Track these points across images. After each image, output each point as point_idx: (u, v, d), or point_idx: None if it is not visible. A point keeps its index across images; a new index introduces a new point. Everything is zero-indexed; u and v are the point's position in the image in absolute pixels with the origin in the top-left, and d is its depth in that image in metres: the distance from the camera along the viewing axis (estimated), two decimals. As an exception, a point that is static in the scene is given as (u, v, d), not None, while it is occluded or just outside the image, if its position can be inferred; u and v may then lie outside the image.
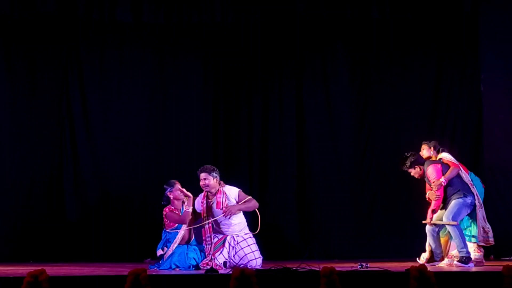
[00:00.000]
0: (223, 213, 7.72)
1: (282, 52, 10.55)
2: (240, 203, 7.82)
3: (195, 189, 7.99)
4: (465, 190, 8.07)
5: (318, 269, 6.27)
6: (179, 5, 9.78)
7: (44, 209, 10.05)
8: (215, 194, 7.82)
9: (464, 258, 7.87)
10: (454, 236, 7.96)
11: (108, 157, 10.25)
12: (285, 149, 10.53)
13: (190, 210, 7.79)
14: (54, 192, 10.12)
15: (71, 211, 10.12)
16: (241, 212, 7.88)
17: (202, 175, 7.81)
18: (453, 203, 8.02)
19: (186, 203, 7.82)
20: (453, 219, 7.96)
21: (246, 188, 9.81)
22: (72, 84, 10.22)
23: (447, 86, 10.42)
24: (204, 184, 7.81)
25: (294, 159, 10.50)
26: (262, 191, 10.37)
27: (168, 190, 7.94)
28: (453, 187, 8.12)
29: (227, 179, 8.20)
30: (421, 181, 8.61)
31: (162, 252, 7.84)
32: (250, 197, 7.92)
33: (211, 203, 7.82)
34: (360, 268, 7.32)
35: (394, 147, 9.87)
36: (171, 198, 7.93)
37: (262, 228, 8.00)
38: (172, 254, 7.77)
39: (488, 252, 9.09)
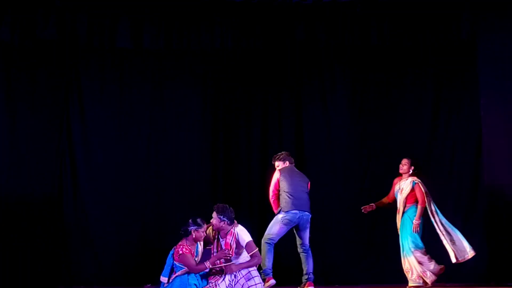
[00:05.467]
0: (224, 270, 7.53)
1: (281, 76, 10.61)
2: (243, 262, 7.59)
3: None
4: None
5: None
6: (179, 31, 9.84)
7: (42, 235, 9.94)
8: (226, 234, 7.59)
9: None
10: None
11: (108, 183, 10.26)
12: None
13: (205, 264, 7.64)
14: (53, 219, 10.04)
15: (70, 236, 10.14)
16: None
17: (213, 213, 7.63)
18: None
19: (201, 243, 7.74)
20: None
21: (246, 212, 9.83)
22: (72, 110, 10.24)
23: (446, 110, 10.45)
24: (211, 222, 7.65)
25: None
26: (261, 216, 10.35)
27: (194, 228, 7.61)
28: None
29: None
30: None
31: (165, 281, 7.77)
32: (256, 249, 7.62)
33: (222, 240, 7.63)
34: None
35: (393, 171, 9.86)
36: (193, 236, 7.67)
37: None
38: (173, 280, 7.74)
39: (490, 278, 9.10)
